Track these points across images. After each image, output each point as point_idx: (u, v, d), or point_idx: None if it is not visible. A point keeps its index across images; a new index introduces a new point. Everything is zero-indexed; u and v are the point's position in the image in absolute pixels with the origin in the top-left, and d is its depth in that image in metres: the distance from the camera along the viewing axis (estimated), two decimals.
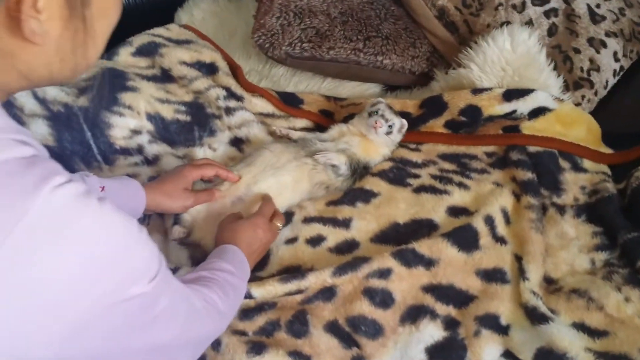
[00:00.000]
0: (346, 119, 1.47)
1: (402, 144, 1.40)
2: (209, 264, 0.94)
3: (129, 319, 0.64)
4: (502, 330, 1.03)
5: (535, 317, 1.03)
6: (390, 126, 1.31)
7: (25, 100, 1.30)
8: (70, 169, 1.26)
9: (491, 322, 1.04)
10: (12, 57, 0.59)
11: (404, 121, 1.36)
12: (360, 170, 1.30)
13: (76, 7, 0.61)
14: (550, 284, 1.13)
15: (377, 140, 1.34)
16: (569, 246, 1.18)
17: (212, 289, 0.85)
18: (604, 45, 1.54)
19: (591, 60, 1.52)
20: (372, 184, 1.29)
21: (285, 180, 1.23)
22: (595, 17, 1.57)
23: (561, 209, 1.25)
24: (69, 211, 0.56)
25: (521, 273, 1.10)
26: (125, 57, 1.53)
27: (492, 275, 1.11)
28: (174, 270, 1.10)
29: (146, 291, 0.63)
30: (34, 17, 0.56)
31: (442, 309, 1.06)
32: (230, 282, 0.91)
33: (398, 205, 1.23)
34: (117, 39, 1.55)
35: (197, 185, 1.24)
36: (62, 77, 0.65)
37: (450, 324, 1.04)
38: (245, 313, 1.03)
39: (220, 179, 1.22)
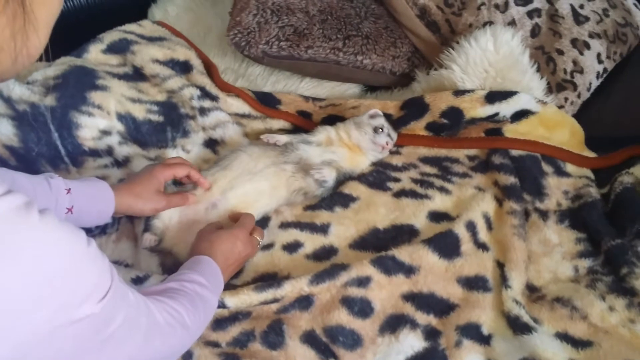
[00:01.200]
0: (325, 120, 1.44)
1: None
2: (179, 275, 0.90)
3: (78, 342, 0.59)
4: (484, 340, 1.02)
5: (517, 326, 1.01)
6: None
7: None
8: (36, 170, 1.22)
9: (472, 332, 1.02)
10: None
11: (396, 134, 1.35)
12: (343, 180, 1.27)
13: None
14: (533, 292, 1.11)
15: (372, 154, 1.32)
16: (552, 253, 1.16)
17: (178, 300, 0.81)
18: (588, 46, 1.52)
19: (574, 62, 1.50)
20: (351, 188, 1.26)
21: (262, 186, 1.20)
22: (578, 18, 1.55)
23: (544, 215, 1.23)
24: (4, 226, 0.51)
25: (503, 281, 1.09)
26: (95, 54, 1.48)
27: (473, 283, 1.09)
28: (144, 279, 1.07)
29: (95, 312, 0.59)
30: None
31: (423, 318, 1.04)
32: (200, 294, 0.87)
33: (378, 210, 1.21)
34: (88, 35, 1.52)
35: (169, 189, 1.20)
36: (3, 68, 0.60)
37: (431, 333, 1.02)
38: (219, 323, 1.01)
39: (192, 181, 1.18)
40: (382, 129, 1.30)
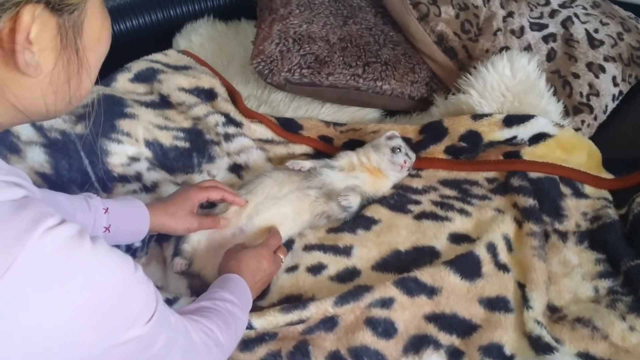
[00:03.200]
0: (347, 145, 1.47)
1: None
2: (210, 294, 0.93)
3: None
4: None
5: (539, 347, 1.02)
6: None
7: (22, 127, 1.29)
8: None
9: (495, 352, 1.02)
10: (3, 89, 0.58)
11: (414, 154, 1.37)
12: (366, 204, 1.29)
13: (68, 37, 0.60)
14: (554, 312, 1.11)
15: (394, 175, 1.34)
16: (571, 274, 1.17)
17: (211, 319, 0.84)
18: (603, 70, 1.54)
19: (590, 85, 1.52)
20: (372, 210, 1.28)
21: (286, 210, 1.22)
22: (593, 42, 1.57)
23: (563, 236, 1.24)
24: (60, 255, 0.54)
25: (524, 301, 1.09)
26: (123, 83, 1.52)
27: (495, 304, 1.09)
28: (173, 301, 1.09)
29: (142, 333, 0.62)
30: (27, 49, 0.55)
31: (446, 338, 1.04)
32: (232, 312, 0.89)
33: (399, 232, 1.22)
34: (115, 65, 1.55)
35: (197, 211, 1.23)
36: (57, 109, 0.64)
37: (454, 354, 1.03)
38: (246, 344, 1.02)
39: (226, 202, 1.21)
40: (399, 149, 1.32)
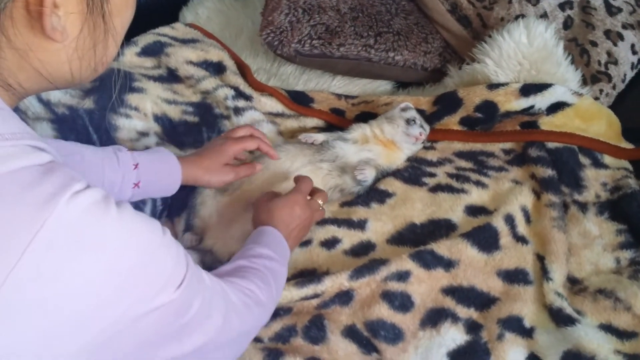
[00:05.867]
0: (359, 118, 1.44)
1: None
2: (246, 251, 0.91)
3: (160, 328, 0.61)
4: (527, 333, 1.00)
5: (560, 319, 1.00)
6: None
7: (29, 103, 1.28)
8: None
9: (514, 325, 1.01)
10: (28, 54, 0.57)
11: (428, 126, 1.35)
12: (380, 177, 1.27)
13: (95, 1, 0.59)
14: (575, 284, 1.10)
15: (408, 147, 1.32)
16: (592, 245, 1.15)
17: (250, 279, 0.82)
18: (621, 37, 1.51)
19: (608, 53, 1.49)
20: (386, 184, 1.26)
21: None
22: (611, 9, 1.53)
23: (583, 207, 1.22)
24: (87, 221, 0.53)
25: (544, 273, 1.08)
26: (130, 57, 1.50)
27: (514, 276, 1.08)
28: None
29: (174, 298, 0.61)
30: (54, 13, 0.55)
31: (464, 312, 1.03)
32: (270, 267, 0.88)
33: (414, 206, 1.21)
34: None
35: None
36: (82, 76, 0.63)
37: (472, 327, 1.02)
38: None
39: (261, 152, 1.19)
40: (414, 120, 1.29)
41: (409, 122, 1.29)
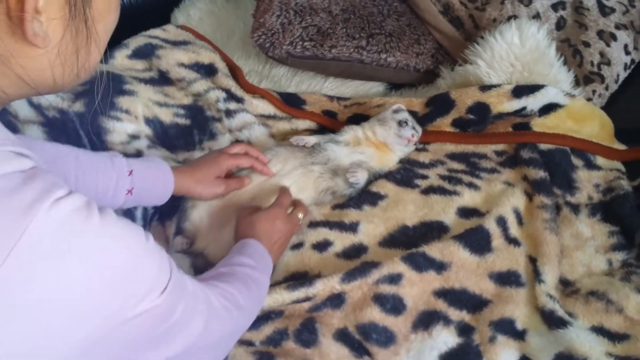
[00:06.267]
0: (351, 120, 1.44)
1: None
2: (228, 260, 0.92)
3: (143, 334, 0.61)
4: (519, 335, 1.00)
5: (552, 321, 1.00)
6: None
7: (19, 106, 1.27)
8: None
9: (507, 327, 1.01)
10: (9, 60, 0.56)
11: (420, 128, 1.34)
12: (372, 180, 1.27)
13: (77, 7, 0.58)
14: (567, 286, 1.10)
15: (400, 149, 1.31)
16: (584, 247, 1.15)
17: (231, 283, 0.83)
18: (614, 38, 1.50)
19: (601, 54, 1.48)
20: (378, 186, 1.25)
21: (290, 188, 1.19)
22: (604, 10, 1.53)
23: (575, 208, 1.21)
24: (69, 227, 0.53)
25: (536, 275, 1.08)
26: (121, 59, 1.49)
27: (506, 279, 1.08)
28: None
29: (158, 303, 0.61)
30: (35, 18, 0.54)
31: (456, 314, 1.03)
32: (251, 275, 0.88)
33: (406, 208, 1.20)
34: (113, 41, 1.49)
35: None
36: (64, 81, 0.62)
37: (465, 329, 1.01)
38: (252, 322, 0.99)
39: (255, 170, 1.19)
40: (406, 122, 1.29)
41: (400, 123, 1.28)
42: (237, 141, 1.40)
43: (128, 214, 1.17)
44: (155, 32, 1.58)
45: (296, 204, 1.14)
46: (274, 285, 1.06)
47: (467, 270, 1.08)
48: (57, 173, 0.90)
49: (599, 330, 0.99)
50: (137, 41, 1.53)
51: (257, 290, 0.88)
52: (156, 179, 1.05)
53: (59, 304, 0.52)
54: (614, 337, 0.98)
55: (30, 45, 0.55)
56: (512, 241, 1.13)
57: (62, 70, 0.60)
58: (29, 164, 0.55)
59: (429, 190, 1.24)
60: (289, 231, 1.08)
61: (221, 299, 0.78)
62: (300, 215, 1.12)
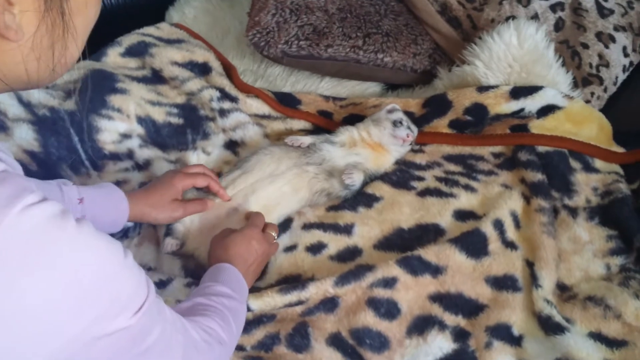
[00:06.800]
0: (347, 120, 1.42)
1: None
2: (204, 289, 0.88)
3: (114, 354, 0.58)
4: (515, 341, 1.00)
5: (549, 327, 0.99)
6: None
7: (9, 104, 1.26)
8: (57, 175, 1.21)
9: (503, 333, 1.00)
10: None
11: (416, 128, 1.32)
12: (368, 181, 1.25)
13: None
14: (564, 291, 1.09)
15: (396, 150, 1.29)
16: (582, 251, 1.14)
17: (210, 317, 0.80)
18: (613, 39, 1.49)
19: (600, 56, 1.47)
20: (374, 187, 1.24)
21: (284, 189, 1.18)
22: (603, 11, 1.52)
23: (573, 212, 1.20)
24: (41, 235, 0.50)
25: (533, 280, 1.06)
26: (114, 57, 1.48)
27: (502, 283, 1.07)
28: (167, 282, 1.06)
29: (131, 324, 0.58)
30: (7, 10, 0.51)
31: (451, 319, 1.02)
32: (229, 306, 0.85)
33: (402, 210, 1.19)
34: (106, 39, 1.51)
35: (189, 194, 1.18)
36: (40, 78, 0.59)
37: (460, 335, 1.00)
38: (244, 326, 0.98)
39: (211, 192, 1.16)
40: (401, 122, 1.27)
41: (395, 123, 1.27)
42: (231, 142, 1.38)
43: None
44: (149, 30, 1.57)
45: (267, 224, 1.10)
46: (265, 288, 1.05)
47: (463, 274, 1.07)
48: None
49: (597, 337, 0.98)
50: (130, 39, 1.52)
51: (235, 321, 0.85)
52: (109, 206, 1.02)
53: (20, 320, 0.50)
54: (612, 343, 0.97)
55: (2, 38, 0.53)
56: (509, 245, 1.12)
57: (37, 65, 0.58)
58: (0, 166, 0.53)
59: (425, 192, 1.22)
60: (266, 252, 1.04)
61: (201, 332, 0.75)
62: (274, 234, 1.10)
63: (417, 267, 1.05)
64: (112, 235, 1.13)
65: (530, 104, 1.33)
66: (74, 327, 0.53)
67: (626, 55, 1.50)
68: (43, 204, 0.51)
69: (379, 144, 1.27)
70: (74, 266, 0.52)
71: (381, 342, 0.98)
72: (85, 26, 0.62)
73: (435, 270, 1.06)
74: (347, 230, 1.15)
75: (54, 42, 0.58)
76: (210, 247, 1.03)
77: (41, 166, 1.21)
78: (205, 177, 1.13)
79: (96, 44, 1.49)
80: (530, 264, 1.09)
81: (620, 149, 1.36)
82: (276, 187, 1.18)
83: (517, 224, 1.16)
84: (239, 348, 0.98)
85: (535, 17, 1.51)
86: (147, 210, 1.06)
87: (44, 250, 0.50)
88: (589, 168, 1.29)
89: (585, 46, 1.49)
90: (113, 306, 0.56)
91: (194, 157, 1.33)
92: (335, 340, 0.98)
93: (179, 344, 0.68)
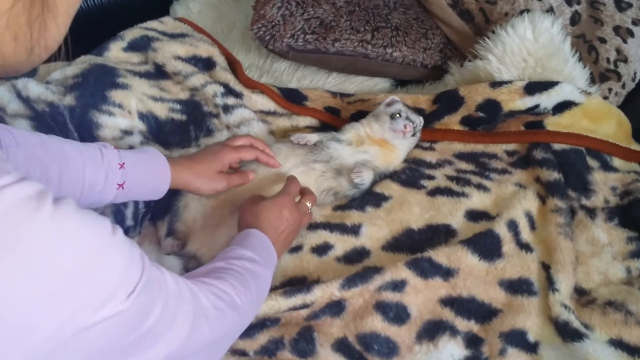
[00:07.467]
0: (354, 117, 1.39)
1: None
2: (226, 252, 0.85)
3: (110, 342, 0.54)
4: (531, 348, 0.97)
5: (567, 333, 0.96)
6: (414, 127, 1.23)
7: (7, 99, 1.24)
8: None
9: (518, 339, 0.97)
10: None
11: (422, 118, 1.27)
12: (378, 180, 1.22)
13: None
14: (582, 295, 1.05)
15: (401, 144, 1.25)
16: (601, 253, 1.10)
17: (226, 280, 0.76)
18: (631, 34, 1.45)
19: (618, 51, 1.44)
20: (383, 186, 1.21)
21: None
22: (621, 4, 1.48)
23: (591, 212, 1.16)
24: (12, 219, 0.47)
25: (550, 284, 1.03)
26: (116, 52, 1.45)
27: (517, 287, 1.04)
28: None
29: (124, 308, 0.54)
30: None
31: (463, 324, 0.99)
32: (251, 270, 0.82)
33: (412, 210, 1.15)
34: (111, 33, 1.50)
35: None
36: (17, 61, 0.55)
37: (473, 341, 0.98)
38: (246, 330, 0.95)
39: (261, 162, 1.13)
40: (399, 114, 1.23)
41: (393, 116, 1.23)
42: None
43: (117, 213, 1.12)
44: (152, 24, 1.54)
45: (304, 192, 1.08)
46: (270, 290, 1.00)
47: (475, 277, 1.04)
48: (36, 166, 0.84)
49: (618, 344, 0.95)
50: (132, 33, 1.49)
51: (256, 286, 0.81)
52: (150, 172, 0.99)
53: (7, 305, 0.46)
54: (633, 351, 0.94)
55: None
56: (524, 247, 1.09)
57: (15, 46, 0.54)
58: None
59: (435, 192, 1.19)
60: (297, 221, 1.01)
61: (212, 297, 0.71)
62: (309, 204, 1.07)
63: (428, 269, 1.03)
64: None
65: (546, 100, 1.30)
66: (55, 318, 0.49)
67: None
68: (17, 184, 0.48)
69: (383, 140, 1.24)
70: (50, 250, 0.49)
71: (389, 348, 0.95)
72: (69, 4, 0.58)
73: (447, 273, 1.03)
74: (354, 230, 1.12)
75: (31, 20, 0.54)
76: (239, 215, 1.00)
77: None
78: (252, 149, 1.10)
79: (99, 39, 1.48)
80: (546, 267, 1.06)
81: (639, 147, 1.32)
82: (281, 185, 1.13)
83: (532, 225, 1.12)
84: (241, 353, 0.95)
85: (550, 10, 1.47)
86: (192, 180, 1.02)
87: (13, 235, 0.47)
88: (607, 167, 1.26)
89: (603, 41, 1.45)
90: (100, 292, 0.52)
91: None
92: (341, 346, 0.95)
93: (187, 315, 0.64)
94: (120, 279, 0.54)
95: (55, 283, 0.49)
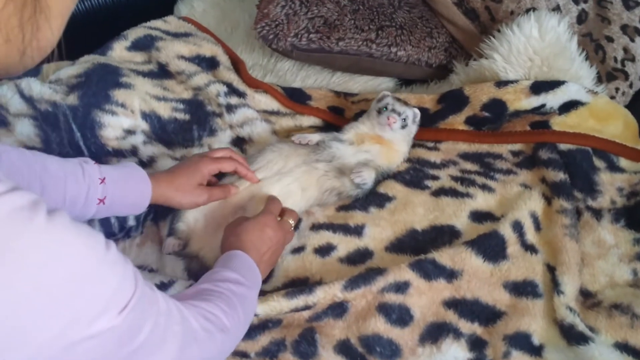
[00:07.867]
0: (358, 116, 1.38)
1: (419, 143, 1.31)
2: (211, 275, 0.85)
3: (99, 358, 0.54)
4: (535, 351, 0.96)
5: (572, 336, 0.96)
6: (404, 119, 1.21)
7: (10, 99, 1.24)
8: None
9: (522, 342, 0.96)
10: None
11: (417, 110, 1.25)
12: (381, 179, 1.21)
13: None
14: (588, 297, 1.05)
15: (394, 138, 1.23)
16: (607, 255, 1.09)
17: (214, 302, 0.76)
18: (639, 32, 1.43)
19: (625, 50, 1.42)
20: (386, 187, 1.20)
21: (292, 187, 1.14)
22: (628, 3, 1.46)
23: (597, 213, 1.15)
24: (6, 228, 0.46)
25: (555, 286, 1.03)
26: (119, 51, 1.45)
27: (522, 289, 1.03)
28: (168, 284, 1.03)
29: (116, 324, 0.53)
30: None
31: (467, 326, 0.99)
32: (237, 292, 0.81)
33: (415, 210, 1.15)
34: (115, 33, 1.50)
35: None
36: (10, 63, 0.55)
37: (476, 343, 0.97)
38: (247, 332, 0.94)
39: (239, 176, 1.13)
40: (385, 107, 1.22)
41: (380, 110, 1.22)
42: (238, 138, 1.35)
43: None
44: (156, 23, 1.54)
45: (285, 211, 1.07)
46: (271, 291, 1.02)
47: (479, 279, 1.03)
48: (19, 181, 0.83)
49: (624, 347, 0.94)
50: (136, 32, 1.49)
51: (242, 308, 0.81)
52: (131, 187, 0.98)
53: None
54: (639, 354, 0.93)
55: None
56: (529, 248, 1.08)
57: (6, 48, 0.53)
58: None
59: (439, 192, 1.19)
60: (280, 240, 1.01)
61: (201, 320, 0.71)
62: (292, 222, 1.06)
63: (431, 271, 1.02)
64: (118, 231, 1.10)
65: (552, 99, 1.28)
66: (46, 332, 0.49)
67: None
68: (10, 194, 0.47)
69: (380, 137, 1.23)
70: (42, 263, 0.48)
71: (392, 350, 0.95)
72: (63, 5, 0.57)
73: (450, 275, 1.03)
74: (357, 231, 1.12)
75: (23, 22, 0.53)
76: (223, 236, 1.00)
77: None
78: (231, 161, 1.09)
79: (103, 39, 1.48)
80: (551, 269, 1.05)
81: None
82: (283, 185, 1.14)
83: (537, 226, 1.11)
84: (243, 355, 0.95)
85: (556, 9, 1.46)
86: (172, 194, 1.02)
87: (8, 246, 0.46)
88: (613, 167, 1.25)
89: (610, 39, 1.44)
90: (92, 306, 0.52)
91: None
92: (343, 348, 0.95)
93: (176, 336, 0.64)
94: (112, 294, 0.54)
95: (47, 295, 0.48)
